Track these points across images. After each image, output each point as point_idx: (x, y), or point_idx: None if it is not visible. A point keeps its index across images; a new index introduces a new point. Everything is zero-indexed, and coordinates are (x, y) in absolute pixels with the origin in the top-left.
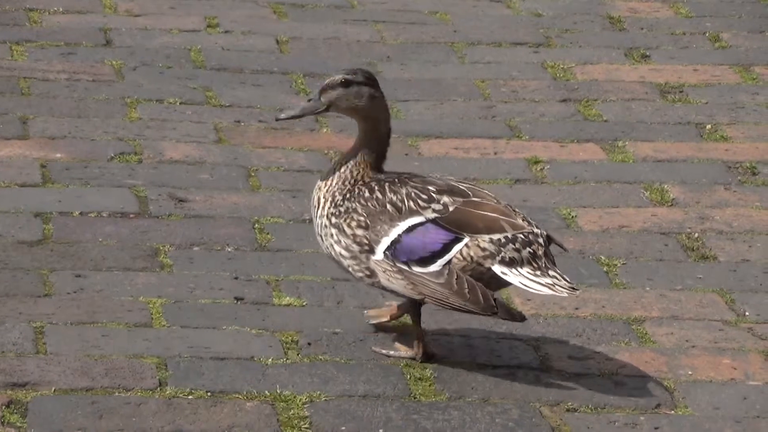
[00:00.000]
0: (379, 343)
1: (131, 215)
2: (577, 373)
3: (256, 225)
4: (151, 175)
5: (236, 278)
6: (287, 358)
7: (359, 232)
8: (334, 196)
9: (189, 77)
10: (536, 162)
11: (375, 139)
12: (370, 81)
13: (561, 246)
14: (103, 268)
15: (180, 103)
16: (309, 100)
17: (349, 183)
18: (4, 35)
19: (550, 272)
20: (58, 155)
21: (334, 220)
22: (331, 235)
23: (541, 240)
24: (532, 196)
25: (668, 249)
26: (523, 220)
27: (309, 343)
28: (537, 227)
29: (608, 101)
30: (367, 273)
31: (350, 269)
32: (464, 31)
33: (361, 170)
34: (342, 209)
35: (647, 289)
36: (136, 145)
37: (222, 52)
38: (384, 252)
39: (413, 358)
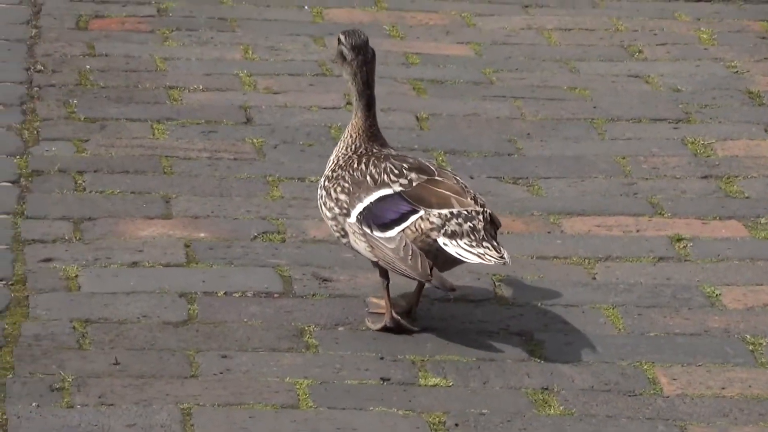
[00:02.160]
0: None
1: (275, 295)
2: None
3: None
4: (295, 254)
5: (382, 358)
6: None
7: (342, 197)
8: (337, 160)
9: (330, 155)
10: (679, 239)
11: (356, 100)
12: (347, 42)
13: (497, 223)
14: (248, 349)
15: None
16: None
17: (351, 149)
18: (145, 114)
19: (485, 243)
20: (202, 234)
21: (326, 183)
22: (321, 196)
23: (481, 217)
24: (675, 274)
25: None
26: (471, 199)
27: (456, 424)
28: (482, 206)
29: (749, 177)
30: (342, 233)
31: (331, 228)
32: (604, 107)
33: (356, 133)
34: (335, 175)
35: None
36: (279, 224)
37: None
38: (357, 216)
39: (386, 326)
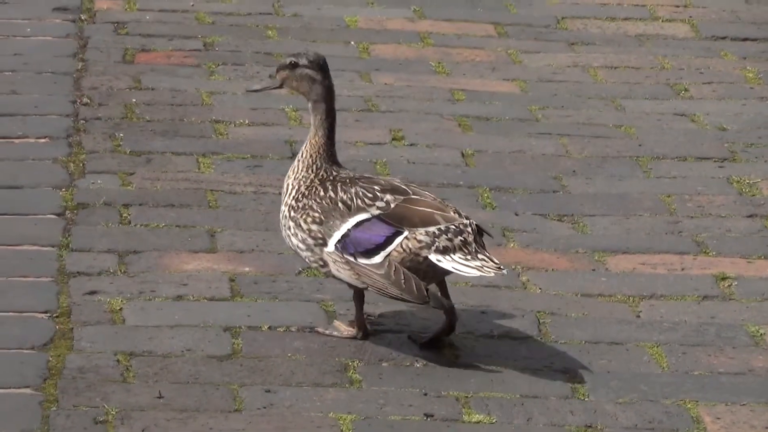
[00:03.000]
0: (322, 327)
1: (320, 330)
2: None
3: (445, 340)
4: (339, 289)
5: (425, 394)
6: None
7: (314, 227)
8: (299, 186)
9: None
10: (723, 278)
11: (319, 118)
12: (313, 65)
13: (488, 233)
14: (292, 384)
15: None
16: (270, 77)
17: (311, 170)
18: (190, 147)
19: (479, 256)
20: (246, 269)
21: (292, 213)
22: (289, 227)
23: (470, 229)
24: (719, 313)
25: None
26: (454, 212)
27: None
28: (467, 218)
29: None
30: (321, 263)
31: (306, 260)
32: (649, 145)
33: (315, 152)
34: (300, 204)
35: None
36: None
37: (408, 165)
38: (335, 245)
39: (354, 337)
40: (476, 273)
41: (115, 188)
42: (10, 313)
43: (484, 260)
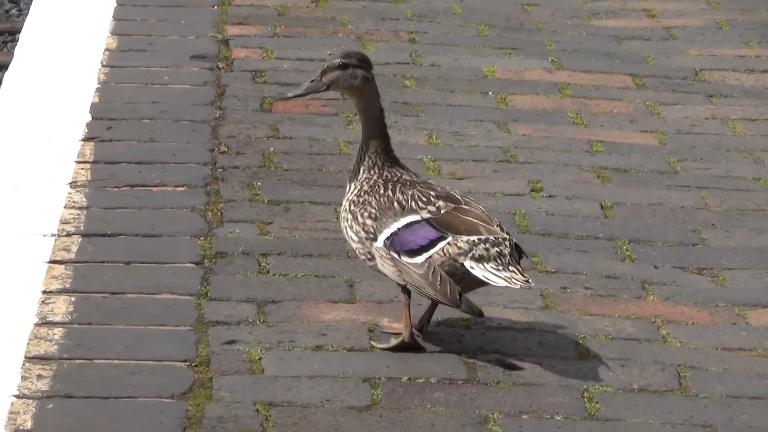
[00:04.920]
0: (377, 341)
1: (459, 381)
2: None
3: (585, 393)
4: (479, 340)
5: None
6: None
7: (368, 222)
8: (362, 185)
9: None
10: None
11: (371, 118)
12: (364, 63)
13: (524, 254)
14: None
15: None
16: (311, 81)
17: (373, 170)
18: (329, 197)
19: (510, 268)
20: (386, 319)
21: (352, 207)
22: (347, 219)
23: (507, 243)
24: None
25: None
26: (497, 227)
27: None
28: (508, 234)
29: None
30: (369, 256)
31: (357, 251)
32: None
33: (374, 153)
34: (361, 200)
35: None
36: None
37: (546, 217)
38: (384, 241)
39: (403, 341)
40: (503, 283)
41: (253, 237)
42: (149, 362)
43: (514, 272)
